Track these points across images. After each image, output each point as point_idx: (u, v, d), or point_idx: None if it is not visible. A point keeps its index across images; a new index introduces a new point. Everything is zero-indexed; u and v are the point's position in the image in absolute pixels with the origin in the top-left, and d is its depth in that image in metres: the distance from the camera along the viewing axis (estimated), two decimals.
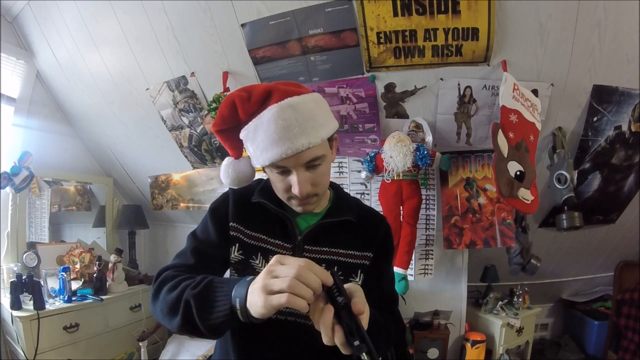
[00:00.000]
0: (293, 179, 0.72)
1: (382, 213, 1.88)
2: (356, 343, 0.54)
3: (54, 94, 2.56)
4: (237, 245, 0.79)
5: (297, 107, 0.69)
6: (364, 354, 0.53)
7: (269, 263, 0.58)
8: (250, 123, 0.72)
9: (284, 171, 0.73)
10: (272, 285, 0.54)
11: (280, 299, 0.53)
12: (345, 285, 0.60)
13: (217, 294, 0.62)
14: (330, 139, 0.77)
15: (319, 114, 0.73)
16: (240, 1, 1.65)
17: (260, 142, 0.70)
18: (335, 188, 0.91)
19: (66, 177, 2.66)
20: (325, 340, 0.55)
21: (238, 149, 0.81)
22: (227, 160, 0.83)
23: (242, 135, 0.75)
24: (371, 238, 0.84)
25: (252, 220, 0.81)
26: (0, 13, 2.22)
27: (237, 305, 0.59)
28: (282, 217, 0.81)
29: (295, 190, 0.72)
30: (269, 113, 0.69)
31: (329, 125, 0.74)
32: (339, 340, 0.55)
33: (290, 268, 0.55)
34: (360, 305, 0.57)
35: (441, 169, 1.96)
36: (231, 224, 0.81)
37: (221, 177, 0.84)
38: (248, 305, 0.57)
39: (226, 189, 0.88)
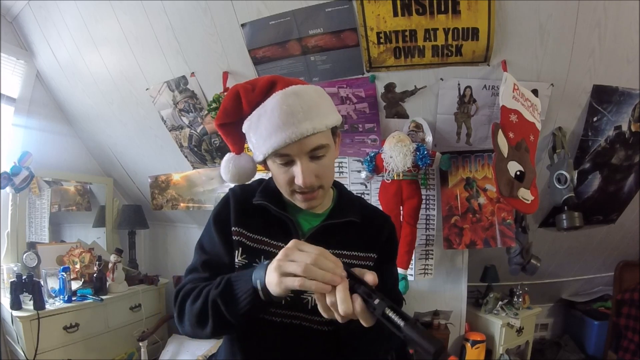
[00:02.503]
0: (297, 169, 0.71)
1: None
2: (376, 301, 0.54)
3: (54, 94, 2.56)
4: (240, 249, 0.78)
5: (301, 94, 0.70)
6: (386, 309, 0.53)
7: (286, 246, 0.60)
8: (253, 113, 0.72)
9: (287, 162, 0.71)
10: (286, 268, 0.57)
11: (294, 283, 0.56)
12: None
13: (239, 284, 0.65)
14: (333, 133, 0.77)
15: (322, 103, 0.73)
16: (240, 1, 1.65)
17: (264, 129, 0.70)
18: (338, 187, 0.89)
19: (66, 177, 2.66)
20: (342, 308, 0.54)
21: (239, 144, 0.81)
22: (228, 155, 0.82)
23: (244, 126, 0.75)
24: (375, 239, 0.83)
25: (254, 223, 0.80)
26: (0, 13, 2.22)
27: (259, 286, 0.61)
28: (284, 219, 0.79)
29: (299, 180, 0.70)
30: (273, 100, 0.69)
31: (332, 115, 0.74)
32: (359, 306, 0.55)
33: (307, 255, 0.57)
34: (374, 275, 0.58)
35: (441, 169, 1.96)
36: (233, 228, 0.79)
37: (221, 173, 0.83)
38: (267, 284, 0.60)
39: (227, 190, 0.87)
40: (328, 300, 0.57)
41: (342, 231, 0.80)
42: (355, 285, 0.57)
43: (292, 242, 0.60)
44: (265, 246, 0.78)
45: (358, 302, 0.55)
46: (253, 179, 0.87)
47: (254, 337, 0.77)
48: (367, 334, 0.66)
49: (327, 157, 0.74)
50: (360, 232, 0.81)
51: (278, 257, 0.59)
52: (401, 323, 0.51)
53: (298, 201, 0.76)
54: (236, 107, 0.73)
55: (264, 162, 0.77)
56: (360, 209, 0.84)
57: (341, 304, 0.55)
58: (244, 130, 0.76)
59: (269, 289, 0.60)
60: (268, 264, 0.61)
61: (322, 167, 0.73)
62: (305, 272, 0.55)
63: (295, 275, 0.56)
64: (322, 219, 0.81)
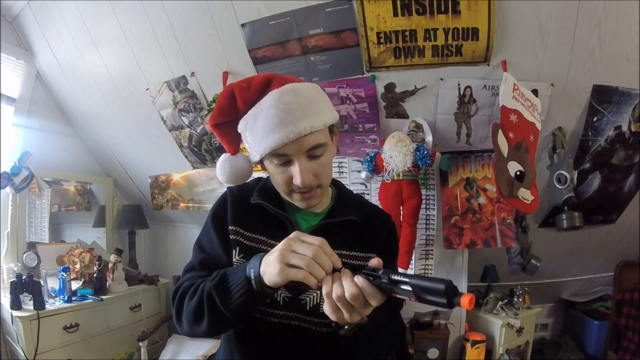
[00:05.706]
0: (294, 169, 0.70)
1: None
2: (380, 271, 0.56)
3: (54, 94, 2.56)
4: (237, 249, 0.77)
5: (298, 91, 0.69)
6: (391, 274, 0.55)
7: (289, 237, 0.60)
8: (249, 112, 0.71)
9: (285, 162, 0.71)
10: (290, 259, 0.57)
11: (298, 274, 0.56)
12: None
13: (233, 275, 0.65)
14: (331, 131, 0.76)
15: (319, 100, 0.72)
16: (240, 1, 1.65)
17: (261, 128, 0.68)
18: (337, 186, 0.88)
19: (66, 177, 2.66)
20: (350, 290, 0.55)
21: (235, 144, 0.79)
22: (223, 156, 0.81)
23: (240, 126, 0.74)
24: (374, 238, 0.82)
25: (251, 222, 0.79)
26: (0, 13, 2.22)
27: (252, 275, 0.61)
28: (281, 218, 0.78)
29: (297, 180, 0.69)
30: (270, 98, 0.68)
31: (330, 113, 0.73)
32: (361, 280, 0.56)
33: (309, 249, 0.57)
34: (378, 260, 0.59)
35: (441, 169, 1.96)
36: (230, 227, 0.78)
37: (217, 175, 0.82)
38: (262, 273, 0.60)
39: (225, 189, 0.86)
40: (334, 291, 0.57)
41: (341, 230, 0.79)
42: (357, 272, 0.58)
43: (294, 233, 0.61)
44: (262, 245, 0.77)
45: (360, 278, 0.56)
46: (250, 179, 0.86)
47: (252, 338, 0.76)
48: (363, 336, 0.65)
49: (325, 156, 0.73)
50: (359, 232, 0.80)
51: (281, 246, 0.59)
52: (407, 281, 0.52)
53: (296, 201, 0.75)
54: (231, 106, 0.72)
55: (260, 162, 0.76)
56: (360, 208, 0.83)
57: (349, 285, 0.56)
58: (239, 130, 0.75)
59: (266, 278, 0.59)
60: (264, 255, 0.61)
61: (321, 166, 0.72)
62: (308, 266, 0.56)
63: (298, 268, 0.57)
64: (320, 218, 0.80)
